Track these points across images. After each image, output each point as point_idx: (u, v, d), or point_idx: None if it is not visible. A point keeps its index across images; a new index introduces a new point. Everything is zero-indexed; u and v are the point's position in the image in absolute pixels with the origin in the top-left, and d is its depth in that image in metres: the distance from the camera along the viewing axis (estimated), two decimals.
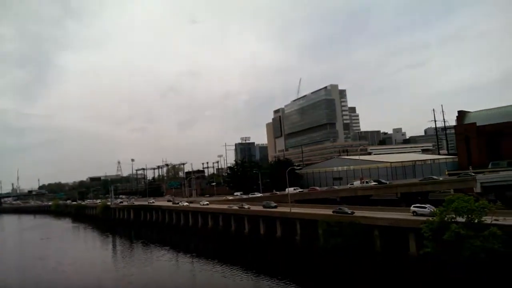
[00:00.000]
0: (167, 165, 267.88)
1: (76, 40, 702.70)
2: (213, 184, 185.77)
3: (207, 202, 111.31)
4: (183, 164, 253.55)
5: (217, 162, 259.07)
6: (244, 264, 62.71)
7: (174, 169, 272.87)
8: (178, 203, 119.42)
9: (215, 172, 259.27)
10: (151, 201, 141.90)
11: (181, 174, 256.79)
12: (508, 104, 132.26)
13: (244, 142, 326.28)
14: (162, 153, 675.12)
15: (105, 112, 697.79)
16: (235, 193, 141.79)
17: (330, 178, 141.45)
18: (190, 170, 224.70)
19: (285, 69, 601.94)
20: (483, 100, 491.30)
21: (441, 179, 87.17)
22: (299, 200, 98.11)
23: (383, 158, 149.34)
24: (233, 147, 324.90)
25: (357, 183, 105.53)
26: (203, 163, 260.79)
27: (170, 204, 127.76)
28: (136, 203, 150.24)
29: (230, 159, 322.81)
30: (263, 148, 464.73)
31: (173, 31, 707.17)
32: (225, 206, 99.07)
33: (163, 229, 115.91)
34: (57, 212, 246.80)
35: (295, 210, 76.52)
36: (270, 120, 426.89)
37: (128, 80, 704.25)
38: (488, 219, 43.85)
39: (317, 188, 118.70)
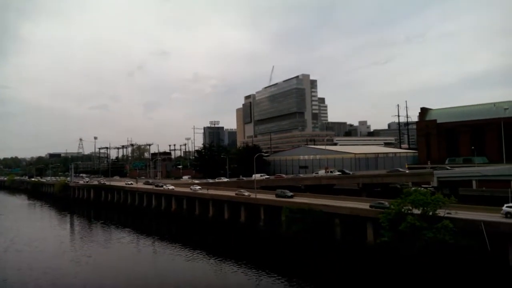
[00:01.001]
0: (132, 145, 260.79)
1: (40, 11, 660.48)
2: (180, 167, 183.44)
3: (197, 185, 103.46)
4: (149, 145, 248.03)
5: (185, 145, 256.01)
6: (207, 248, 62.75)
7: (139, 150, 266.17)
8: (162, 186, 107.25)
9: (182, 155, 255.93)
10: (129, 183, 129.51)
11: (146, 155, 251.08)
12: (467, 104, 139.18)
13: (213, 126, 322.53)
14: (127, 133, 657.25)
15: (67, 87, 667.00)
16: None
17: (296, 166, 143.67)
18: (157, 151, 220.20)
19: (256, 56, 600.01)
20: (444, 98, 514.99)
21: (407, 171, 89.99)
22: (265, 186, 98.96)
23: (348, 149, 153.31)
24: (202, 131, 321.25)
25: (322, 172, 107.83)
26: (170, 145, 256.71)
27: (149, 187, 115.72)
28: (112, 183, 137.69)
29: (198, 142, 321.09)
30: (232, 133, 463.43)
31: (144, 8, 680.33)
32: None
33: (125, 210, 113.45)
34: (12, 188, 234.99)
35: (260, 196, 77.13)
36: (241, 106, 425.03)
37: (94, 56, 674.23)
38: (441, 212, 46.26)
39: (283, 175, 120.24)
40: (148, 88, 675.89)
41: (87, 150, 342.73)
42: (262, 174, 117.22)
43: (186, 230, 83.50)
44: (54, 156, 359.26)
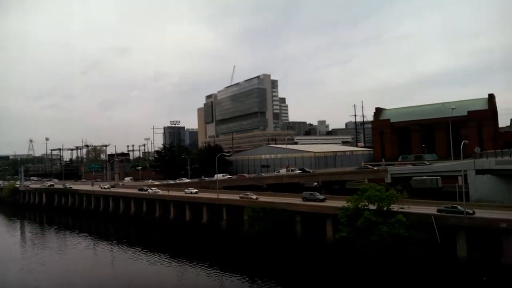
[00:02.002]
0: (87, 146, 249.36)
1: None
2: (139, 168, 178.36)
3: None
4: (106, 146, 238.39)
5: (144, 145, 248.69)
6: (168, 251, 61.67)
7: (95, 151, 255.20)
8: (147, 190, 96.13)
9: (141, 156, 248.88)
10: (105, 186, 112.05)
11: (103, 156, 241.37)
12: (418, 104, 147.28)
13: (173, 126, 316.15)
14: (82, 133, 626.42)
15: (17, 85, 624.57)
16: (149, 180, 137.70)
17: (258, 165, 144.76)
18: (114, 153, 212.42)
19: (218, 55, 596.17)
20: (398, 98, 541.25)
21: (375, 168, 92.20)
22: (227, 186, 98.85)
23: (308, 148, 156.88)
24: (162, 131, 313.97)
25: (283, 171, 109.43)
26: (128, 146, 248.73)
27: (120, 190, 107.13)
28: (81, 187, 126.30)
29: (158, 143, 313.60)
30: (193, 133, 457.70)
31: (103, 3, 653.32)
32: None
33: (80, 214, 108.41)
34: None
35: (223, 196, 76.90)
36: (202, 105, 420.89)
37: (48, 52, 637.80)
38: (395, 207, 48.72)
39: (245, 175, 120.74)
40: (106, 86, 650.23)
41: (39, 152, 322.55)
42: (224, 174, 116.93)
43: (146, 233, 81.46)
44: (1, 159, 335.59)
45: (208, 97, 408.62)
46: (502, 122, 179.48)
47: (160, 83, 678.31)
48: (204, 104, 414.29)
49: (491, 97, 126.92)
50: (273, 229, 58.98)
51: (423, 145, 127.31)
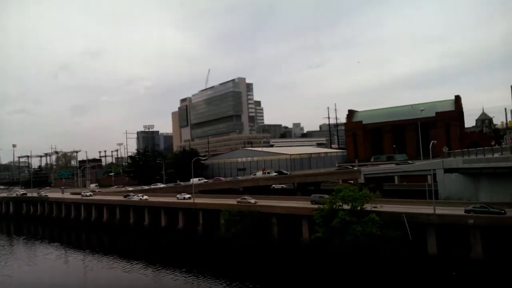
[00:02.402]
0: (57, 152, 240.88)
1: None
2: (111, 174, 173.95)
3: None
4: (77, 152, 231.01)
5: (117, 150, 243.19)
6: (143, 257, 60.41)
7: (65, 158, 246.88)
8: (133, 197, 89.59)
9: (113, 161, 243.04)
10: (87, 194, 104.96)
11: (73, 163, 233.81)
12: (389, 106, 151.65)
13: (147, 130, 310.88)
14: (52, 139, 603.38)
15: None
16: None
17: (234, 168, 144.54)
18: (85, 159, 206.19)
19: (193, 58, 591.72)
20: (370, 100, 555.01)
21: (355, 168, 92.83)
22: (204, 190, 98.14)
23: (284, 150, 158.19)
24: (135, 136, 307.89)
25: (259, 174, 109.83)
26: (100, 152, 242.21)
27: (76, 197, 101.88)
28: (54, 195, 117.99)
29: (131, 148, 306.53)
30: (168, 138, 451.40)
31: (72, 5, 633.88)
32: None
33: (51, 223, 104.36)
34: None
35: (199, 200, 76.18)
36: (176, 109, 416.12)
37: (14, 54, 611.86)
38: (369, 207, 49.86)
39: (222, 178, 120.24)
40: (77, 90, 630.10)
41: (5, 159, 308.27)
42: (200, 178, 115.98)
43: (120, 241, 79.48)
44: None
45: (182, 100, 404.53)
46: (468, 123, 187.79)
47: (133, 86, 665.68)
48: (179, 108, 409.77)
49: (458, 99, 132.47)
50: (250, 231, 59.01)
51: (394, 146, 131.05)
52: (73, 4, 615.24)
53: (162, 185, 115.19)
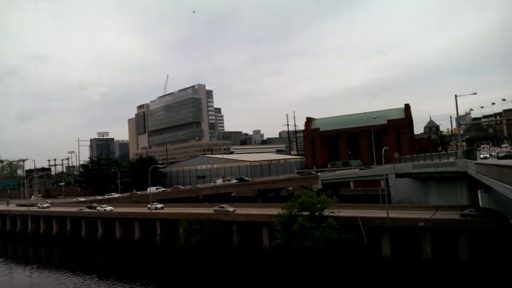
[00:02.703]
0: (1, 161, 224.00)
1: None
2: (62, 184, 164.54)
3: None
4: (23, 160, 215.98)
5: (68, 159, 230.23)
6: (97, 271, 57.36)
7: (10, 167, 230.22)
8: (95, 208, 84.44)
9: (64, 170, 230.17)
10: (45, 206, 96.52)
11: (20, 172, 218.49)
12: (345, 113, 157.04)
13: (101, 137, 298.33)
14: None
15: None
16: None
17: (194, 176, 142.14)
18: (33, 168, 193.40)
19: (150, 64, 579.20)
20: (328, 108, 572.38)
21: (319, 174, 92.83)
22: (162, 199, 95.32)
23: (244, 157, 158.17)
24: (88, 143, 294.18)
25: (219, 181, 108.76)
26: (49, 160, 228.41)
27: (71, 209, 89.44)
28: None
29: (84, 156, 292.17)
30: (123, 145, 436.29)
31: (20, 9, 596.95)
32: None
33: None
34: None
35: (170, 210, 73.76)
36: (133, 116, 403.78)
37: None
38: (326, 212, 50.95)
39: (181, 186, 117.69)
40: (24, 96, 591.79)
41: None
42: (158, 187, 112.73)
43: (71, 254, 75.08)
44: None
45: (139, 107, 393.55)
46: (418, 130, 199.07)
47: (86, 92, 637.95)
48: (136, 115, 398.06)
49: (407, 107, 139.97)
50: (210, 240, 58.06)
51: (350, 152, 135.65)
52: (24, 7, 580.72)
53: (117, 195, 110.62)
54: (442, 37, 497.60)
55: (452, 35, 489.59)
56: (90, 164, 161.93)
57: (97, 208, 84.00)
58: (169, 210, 75.16)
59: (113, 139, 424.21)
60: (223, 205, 66.79)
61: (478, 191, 36.22)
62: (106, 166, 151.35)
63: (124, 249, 70.36)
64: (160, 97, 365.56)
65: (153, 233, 69.73)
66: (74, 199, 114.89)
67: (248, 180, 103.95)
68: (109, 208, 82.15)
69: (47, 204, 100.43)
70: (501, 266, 36.68)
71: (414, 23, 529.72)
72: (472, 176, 43.46)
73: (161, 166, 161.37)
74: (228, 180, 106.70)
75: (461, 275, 39.29)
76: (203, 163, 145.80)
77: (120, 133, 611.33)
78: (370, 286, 42.18)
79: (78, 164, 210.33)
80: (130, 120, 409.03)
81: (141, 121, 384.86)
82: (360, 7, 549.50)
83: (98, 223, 78.15)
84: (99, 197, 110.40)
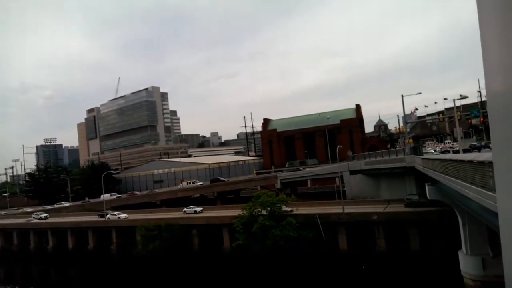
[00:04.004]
0: None
1: None
2: (6, 194, 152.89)
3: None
4: None
5: (12, 168, 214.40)
6: (46, 285, 53.99)
7: None
8: (106, 217, 72.07)
9: (8, 180, 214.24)
10: (43, 216, 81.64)
11: None
12: (300, 114, 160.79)
13: (48, 144, 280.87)
14: None
15: None
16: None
17: (150, 181, 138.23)
18: None
19: (99, 67, 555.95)
20: (284, 109, 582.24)
21: (277, 174, 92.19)
22: (117, 206, 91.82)
23: (202, 160, 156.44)
24: (34, 150, 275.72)
25: (184, 184, 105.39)
26: None
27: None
28: None
29: (30, 164, 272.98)
30: (73, 151, 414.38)
31: None
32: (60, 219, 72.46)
33: None
34: None
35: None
36: (83, 120, 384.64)
37: None
38: (286, 210, 51.87)
39: (137, 192, 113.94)
40: None
41: None
42: (112, 194, 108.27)
43: (18, 269, 69.98)
44: None
45: (89, 111, 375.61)
46: (369, 128, 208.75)
47: (29, 96, 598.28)
48: (86, 119, 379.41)
49: (358, 107, 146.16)
50: (169, 245, 56.81)
51: (306, 151, 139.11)
52: None
53: (68, 204, 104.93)
54: (390, 42, 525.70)
55: (401, 39, 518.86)
56: (37, 173, 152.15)
57: (108, 216, 71.49)
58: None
59: (61, 145, 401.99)
60: (192, 206, 68.97)
61: (426, 184, 38.72)
62: (55, 174, 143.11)
63: (77, 260, 66.86)
64: (111, 100, 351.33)
65: (108, 242, 66.93)
66: (20, 210, 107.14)
67: (224, 180, 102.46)
68: (123, 215, 71.09)
69: (45, 215, 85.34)
70: (447, 254, 39.46)
71: (366, 27, 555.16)
72: (419, 170, 46.39)
73: (115, 172, 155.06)
74: (193, 183, 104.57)
75: (413, 265, 41.73)
76: (160, 168, 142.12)
77: (69, 138, 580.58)
78: (330, 281, 43.50)
79: (24, 173, 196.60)
80: (79, 125, 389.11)
81: (92, 125, 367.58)
82: (312, 12, 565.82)
83: (48, 234, 73.71)
84: (48, 207, 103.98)
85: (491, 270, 29.94)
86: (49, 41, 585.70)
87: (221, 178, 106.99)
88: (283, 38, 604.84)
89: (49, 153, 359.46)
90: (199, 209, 66.17)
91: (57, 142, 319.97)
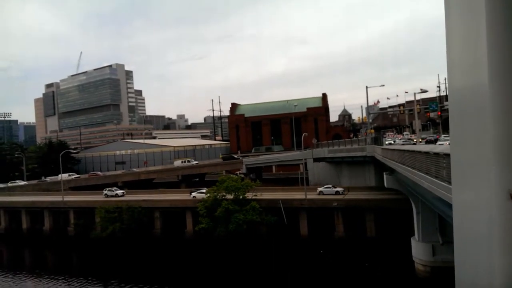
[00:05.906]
0: None
1: None
2: None
3: None
4: None
5: None
6: None
7: None
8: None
9: None
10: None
11: None
12: (268, 100, 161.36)
13: (2, 119, 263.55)
14: None
15: None
16: None
17: (112, 162, 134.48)
18: None
19: (59, 39, 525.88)
20: (252, 94, 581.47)
21: (243, 159, 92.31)
22: (76, 187, 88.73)
23: (167, 142, 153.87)
24: None
25: (178, 162, 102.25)
26: None
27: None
28: None
29: None
30: (29, 128, 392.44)
31: None
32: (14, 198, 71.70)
33: None
34: None
35: (69, 198, 68.50)
36: (41, 96, 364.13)
37: None
38: (250, 195, 52.39)
39: (99, 173, 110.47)
40: None
41: None
42: (70, 174, 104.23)
43: None
44: None
45: (48, 86, 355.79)
46: (333, 118, 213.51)
47: None
48: (44, 94, 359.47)
49: (324, 96, 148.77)
50: (130, 228, 55.82)
51: (272, 138, 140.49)
52: None
53: (23, 183, 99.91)
54: (358, 33, 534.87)
55: (369, 30, 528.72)
56: None
57: (105, 193, 68.65)
58: (84, 198, 70.29)
59: (16, 120, 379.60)
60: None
61: (384, 173, 40.40)
62: (9, 151, 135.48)
63: (32, 241, 64.28)
64: (72, 75, 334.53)
65: (65, 223, 64.75)
66: None
67: (238, 158, 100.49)
68: (120, 191, 68.61)
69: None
70: (401, 240, 41.69)
71: (336, 16, 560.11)
72: (378, 160, 48.28)
73: (74, 151, 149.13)
74: (188, 161, 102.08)
75: (368, 250, 43.80)
76: (123, 148, 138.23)
77: (25, 114, 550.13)
78: (289, 265, 44.74)
79: None
80: (37, 100, 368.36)
81: (50, 101, 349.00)
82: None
83: (0, 213, 70.05)
84: (1, 185, 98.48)
85: (440, 256, 32.03)
86: (6, 8, 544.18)
87: (235, 156, 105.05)
88: (251, 23, 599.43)
89: (3, 128, 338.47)
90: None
91: (12, 118, 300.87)
